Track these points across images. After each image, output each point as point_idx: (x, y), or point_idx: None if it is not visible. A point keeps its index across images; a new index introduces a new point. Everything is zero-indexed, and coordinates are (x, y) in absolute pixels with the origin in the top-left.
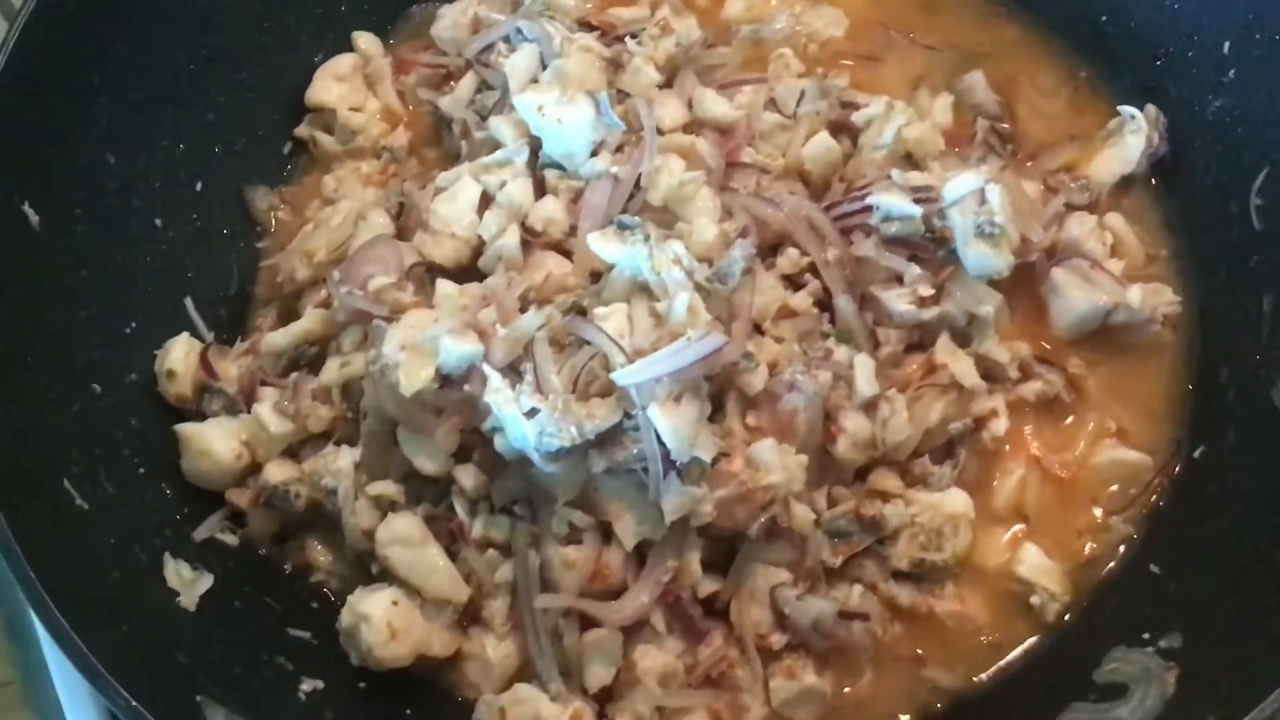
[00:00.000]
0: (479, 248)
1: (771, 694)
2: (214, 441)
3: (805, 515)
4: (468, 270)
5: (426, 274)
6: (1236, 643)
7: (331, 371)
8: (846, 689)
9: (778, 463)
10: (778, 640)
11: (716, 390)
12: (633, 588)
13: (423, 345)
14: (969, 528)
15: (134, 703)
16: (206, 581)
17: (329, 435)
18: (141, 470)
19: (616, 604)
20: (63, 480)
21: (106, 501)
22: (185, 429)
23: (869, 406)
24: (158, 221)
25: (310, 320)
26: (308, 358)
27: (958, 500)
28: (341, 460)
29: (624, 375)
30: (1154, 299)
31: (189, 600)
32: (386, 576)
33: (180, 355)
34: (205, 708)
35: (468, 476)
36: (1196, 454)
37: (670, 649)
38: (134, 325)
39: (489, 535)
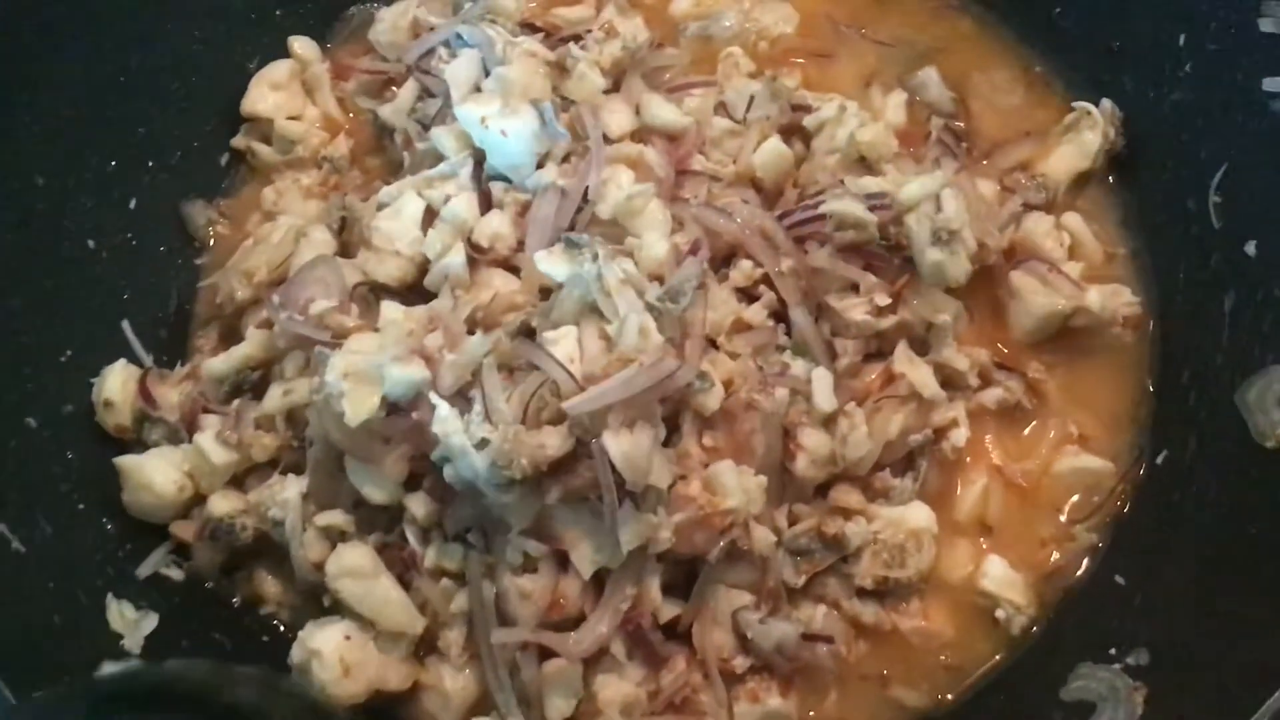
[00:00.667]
0: (424, 265)
1: (736, 718)
2: (155, 474)
3: (765, 537)
4: (414, 289)
5: (370, 294)
6: (1205, 663)
7: (274, 399)
8: (811, 711)
9: (736, 485)
10: (741, 663)
11: (671, 412)
12: (591, 617)
13: (368, 373)
14: (932, 543)
15: None
16: (151, 621)
17: (274, 464)
18: (81, 506)
19: (575, 635)
20: None
21: (45, 543)
22: (125, 462)
23: (828, 422)
24: (90, 243)
25: (251, 345)
26: (250, 383)
27: (920, 515)
28: (288, 490)
29: (575, 404)
30: (1113, 301)
31: (133, 643)
32: (339, 609)
33: (117, 384)
34: None
35: (419, 505)
36: (1159, 459)
37: (631, 677)
38: (69, 353)
39: (442, 564)
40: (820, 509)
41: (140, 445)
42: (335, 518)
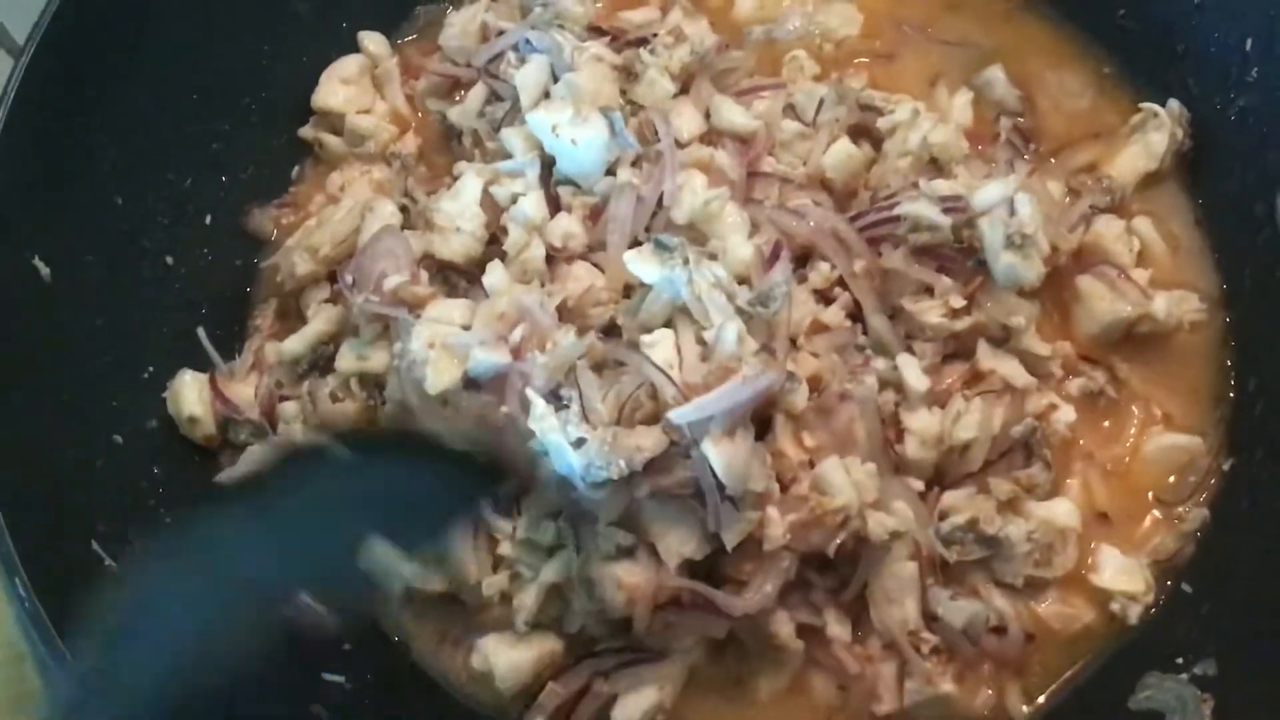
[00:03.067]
0: (486, 242)
1: (905, 694)
2: None
3: (880, 524)
4: (479, 265)
5: (438, 273)
6: (1274, 674)
7: (349, 362)
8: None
9: (845, 481)
10: (927, 639)
11: (761, 412)
12: (754, 580)
13: (454, 348)
14: (1075, 542)
15: None
16: None
17: None
18: (168, 521)
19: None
20: (90, 542)
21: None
22: (229, 479)
23: (930, 405)
24: (169, 259)
25: (323, 321)
26: (325, 358)
27: (1066, 511)
28: None
29: (681, 415)
30: (1179, 308)
31: None
32: None
33: (194, 396)
34: None
35: None
36: (1226, 467)
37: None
38: (151, 369)
39: (531, 537)
40: (973, 502)
41: (226, 447)
42: None
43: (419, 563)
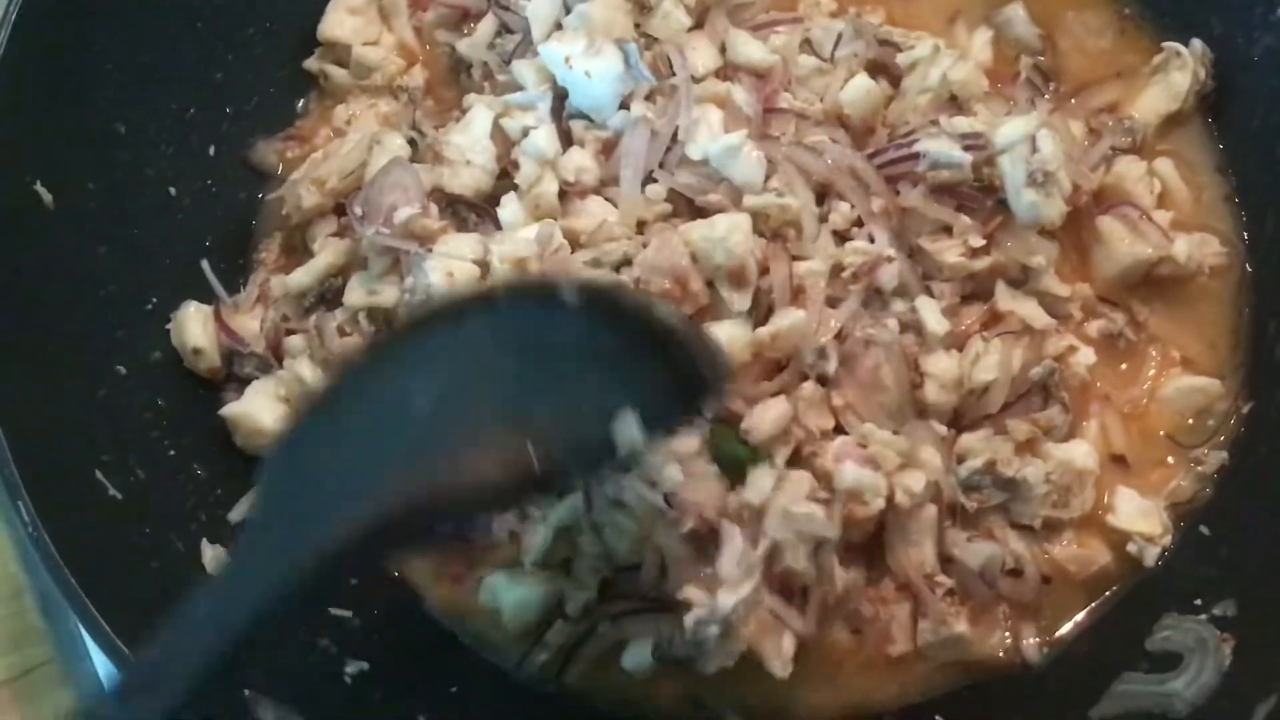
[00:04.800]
0: (496, 175)
1: (919, 634)
2: (263, 415)
3: (909, 493)
4: (490, 199)
5: (448, 206)
6: None
7: (358, 296)
8: None
9: (873, 484)
10: (944, 581)
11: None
12: None
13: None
14: (1093, 483)
15: None
16: None
17: None
18: (172, 453)
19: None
20: (94, 471)
21: (140, 489)
22: (232, 412)
23: (949, 347)
24: (172, 190)
25: (331, 254)
26: (332, 291)
27: (1084, 453)
28: None
29: None
30: (1200, 251)
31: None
32: None
33: (199, 328)
34: (253, 703)
35: None
36: (1245, 410)
37: None
38: (155, 301)
39: None
40: (990, 444)
41: (230, 380)
42: None
43: None
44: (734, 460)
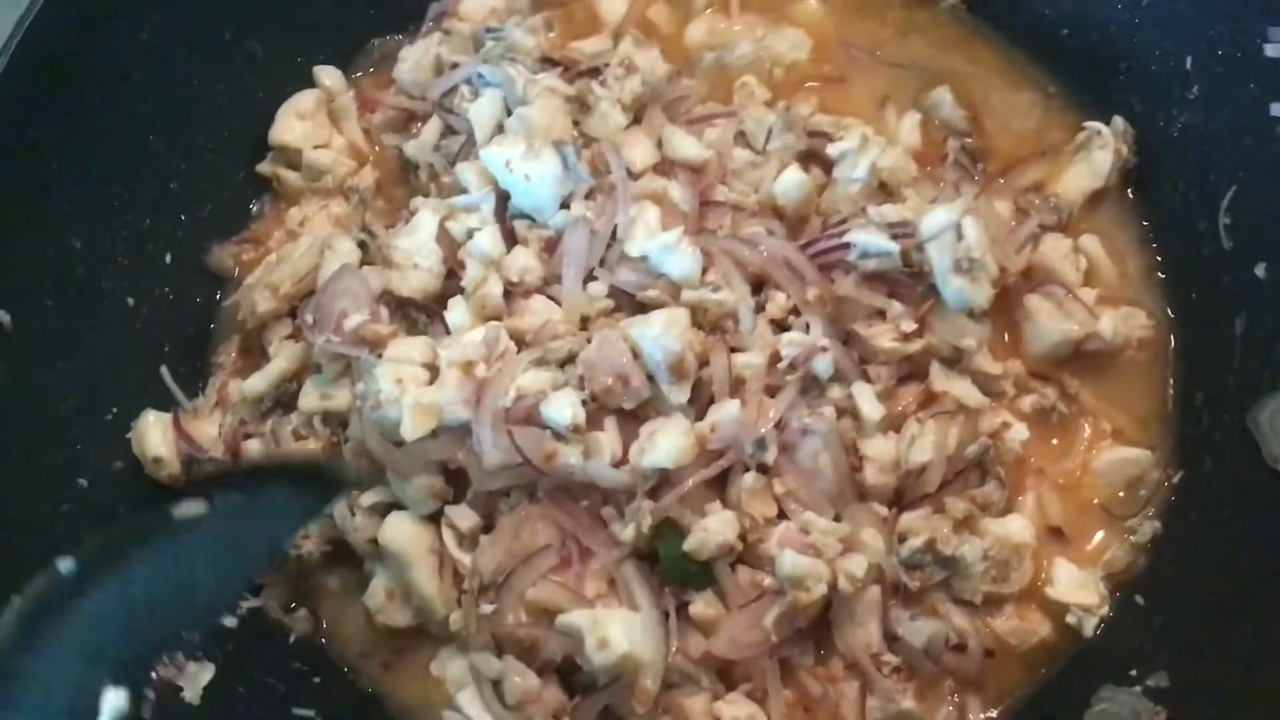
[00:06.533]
0: (442, 277)
1: (868, 711)
2: None
3: (850, 578)
4: (438, 300)
5: (398, 309)
6: (1224, 687)
7: (312, 400)
8: None
9: (810, 570)
10: (890, 660)
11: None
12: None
13: (429, 407)
14: (1031, 557)
15: None
16: (209, 672)
17: None
18: None
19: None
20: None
21: None
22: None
23: (886, 429)
24: (130, 300)
25: (285, 359)
26: (287, 395)
27: (1020, 528)
28: None
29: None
30: (1126, 325)
31: (193, 694)
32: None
33: (157, 437)
34: None
35: (463, 519)
36: (1175, 479)
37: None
38: (115, 411)
39: None
40: (930, 522)
41: (190, 486)
42: (380, 494)
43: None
44: (681, 573)
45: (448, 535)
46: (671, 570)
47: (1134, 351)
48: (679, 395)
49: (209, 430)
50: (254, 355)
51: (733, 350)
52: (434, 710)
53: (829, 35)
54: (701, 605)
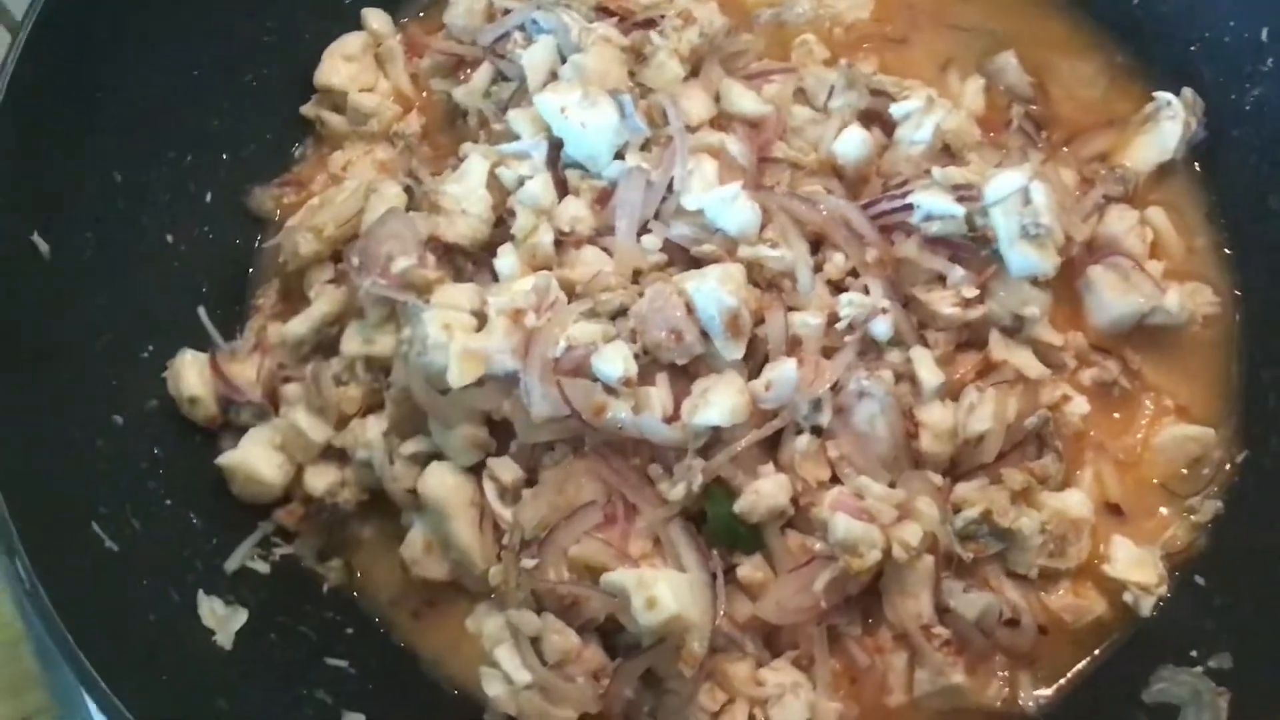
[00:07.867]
0: (492, 223)
1: (916, 684)
2: (259, 464)
3: (904, 546)
4: (486, 248)
5: (444, 255)
6: None
7: (354, 345)
8: None
9: (864, 535)
10: (941, 633)
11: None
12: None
13: (477, 353)
14: (1089, 532)
15: None
16: (241, 617)
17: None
18: (168, 502)
19: None
20: (91, 524)
21: (136, 541)
22: (229, 461)
23: (944, 397)
24: (169, 237)
25: (327, 303)
26: (329, 340)
27: (1079, 502)
28: (370, 431)
29: None
30: (1192, 300)
31: (225, 639)
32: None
33: (195, 377)
34: None
35: (506, 472)
36: (1240, 459)
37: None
38: (151, 349)
39: None
40: (986, 493)
41: (226, 427)
42: (420, 444)
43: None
44: (730, 535)
45: (489, 488)
46: (720, 532)
47: (1199, 328)
48: (734, 351)
49: (247, 373)
50: (293, 299)
51: (789, 309)
52: (465, 665)
53: None
54: (749, 568)
